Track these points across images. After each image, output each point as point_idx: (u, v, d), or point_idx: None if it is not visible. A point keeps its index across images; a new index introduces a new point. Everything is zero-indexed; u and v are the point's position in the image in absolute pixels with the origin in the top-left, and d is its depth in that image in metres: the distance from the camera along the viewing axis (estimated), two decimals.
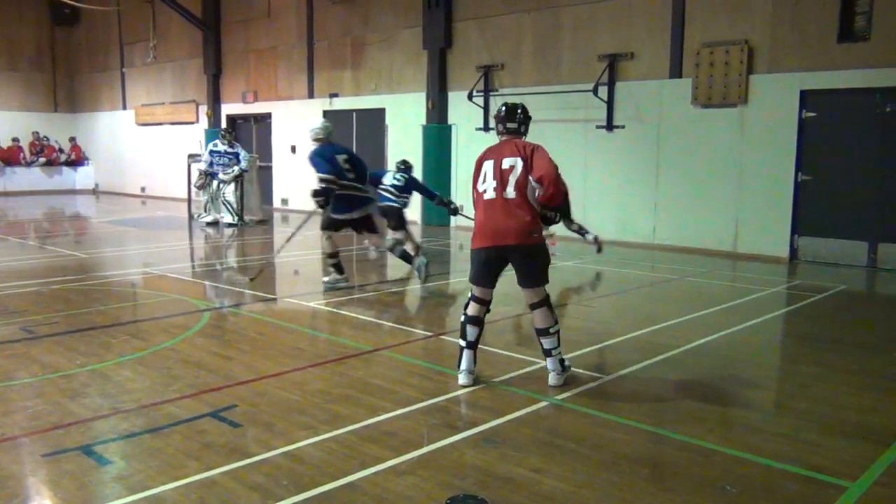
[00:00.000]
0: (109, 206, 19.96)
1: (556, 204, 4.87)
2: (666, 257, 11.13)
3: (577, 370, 5.26)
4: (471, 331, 4.96)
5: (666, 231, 11.99)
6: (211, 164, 14.64)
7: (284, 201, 18.48)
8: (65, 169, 24.28)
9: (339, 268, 8.54)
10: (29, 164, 23.56)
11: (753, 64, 10.96)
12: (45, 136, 24.28)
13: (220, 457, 3.73)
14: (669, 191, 11.90)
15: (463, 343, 4.97)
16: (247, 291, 8.42)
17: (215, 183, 14.76)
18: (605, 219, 12.62)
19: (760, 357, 6.09)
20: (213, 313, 7.20)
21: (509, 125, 5.11)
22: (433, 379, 5.12)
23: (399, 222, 9.85)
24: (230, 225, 14.42)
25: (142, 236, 13.74)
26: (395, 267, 10.68)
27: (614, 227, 12.48)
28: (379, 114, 16.06)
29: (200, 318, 6.91)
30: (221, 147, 14.66)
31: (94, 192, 24.40)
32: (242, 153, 14.77)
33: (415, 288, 8.84)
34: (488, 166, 4.94)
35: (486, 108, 13.99)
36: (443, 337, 6.31)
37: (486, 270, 4.91)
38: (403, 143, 15.58)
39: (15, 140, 23.33)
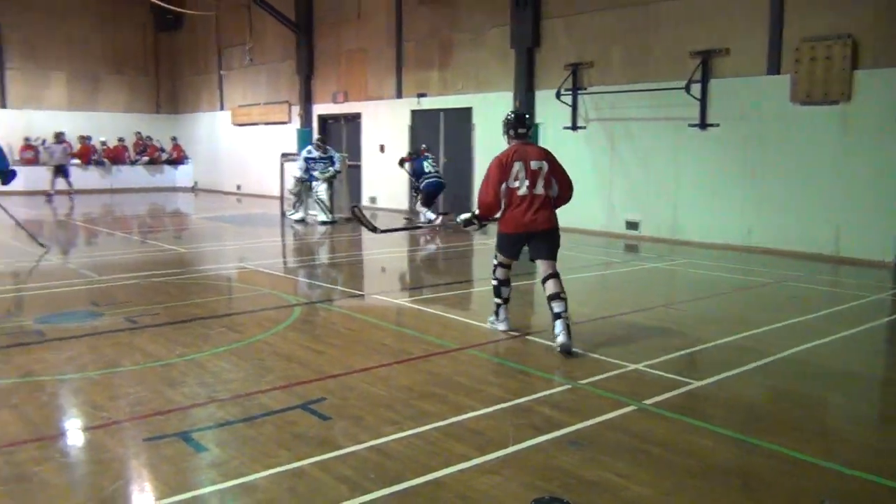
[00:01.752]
0: (207, 203, 20.78)
1: (559, 204, 6.16)
2: (761, 260, 10.74)
3: (665, 374, 5.15)
4: (505, 290, 6.22)
5: (761, 233, 11.56)
6: (306, 171, 15.05)
7: (373, 199, 18.78)
8: (166, 167, 25.42)
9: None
10: (133, 163, 24.76)
11: (858, 59, 10.43)
12: (148, 137, 25.48)
13: (309, 448, 3.83)
14: (766, 191, 11.47)
15: (500, 300, 6.17)
16: (336, 287, 8.61)
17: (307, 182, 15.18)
18: (697, 219, 12.29)
19: (863, 367, 5.80)
20: (303, 308, 7.39)
21: (520, 130, 6.12)
22: (518, 379, 5.11)
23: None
24: (323, 223, 14.76)
25: (237, 232, 14.24)
26: (482, 266, 10.71)
27: (706, 228, 12.14)
28: (466, 113, 16.11)
29: (292, 312, 7.11)
30: (315, 154, 15.07)
31: (193, 189, 25.44)
32: (336, 156, 15.11)
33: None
34: (519, 167, 5.90)
35: (574, 107, 13.84)
36: (528, 337, 6.28)
37: (517, 249, 6.14)
38: (490, 142, 15.55)
39: (121, 140, 24.57)
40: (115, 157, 24.31)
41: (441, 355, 5.64)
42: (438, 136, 16.88)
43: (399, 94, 17.80)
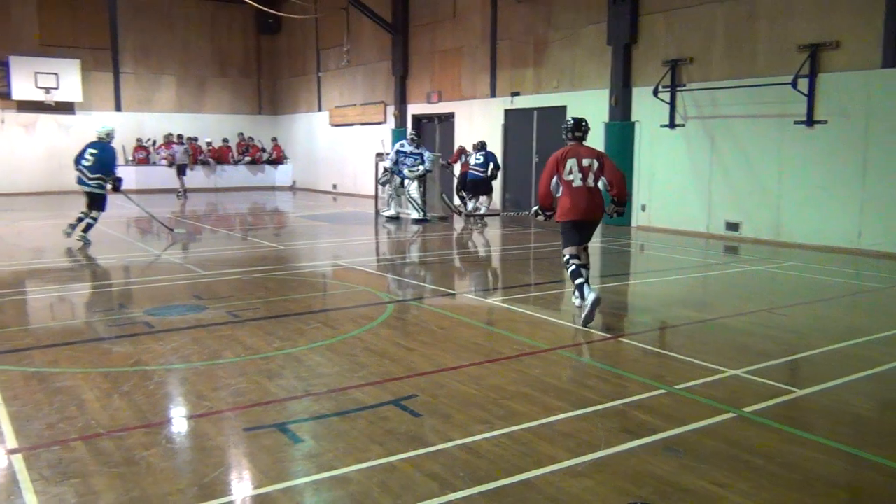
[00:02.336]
0: (304, 202, 21.36)
1: (623, 199, 6.86)
2: (872, 264, 10.16)
3: (766, 381, 4.95)
4: (584, 272, 6.81)
5: (873, 235, 10.93)
6: (396, 163, 15.27)
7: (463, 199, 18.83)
8: (267, 167, 26.30)
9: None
10: (236, 163, 25.74)
11: None
12: (250, 137, 26.43)
13: (400, 444, 3.88)
14: (879, 191, 10.84)
15: (579, 281, 6.67)
16: (427, 285, 8.69)
17: (398, 179, 15.40)
18: (802, 221, 11.75)
19: None
20: (396, 305, 7.49)
21: (577, 134, 7.04)
22: (611, 382, 5.02)
23: (487, 190, 15.07)
24: (416, 221, 14.94)
25: (332, 230, 14.58)
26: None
27: (812, 229, 11.58)
28: (560, 111, 15.92)
29: (384, 309, 7.22)
30: (408, 148, 15.27)
31: (292, 188, 26.22)
32: (427, 154, 15.28)
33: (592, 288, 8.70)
34: (573, 163, 6.79)
35: (672, 105, 13.49)
36: (622, 340, 6.17)
37: (577, 235, 6.85)
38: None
39: (225, 140, 25.59)
40: (220, 157, 25.35)
41: (531, 355, 5.60)
42: (532, 135, 16.79)
43: (493, 94, 17.80)
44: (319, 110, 24.93)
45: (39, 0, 22.53)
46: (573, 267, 6.72)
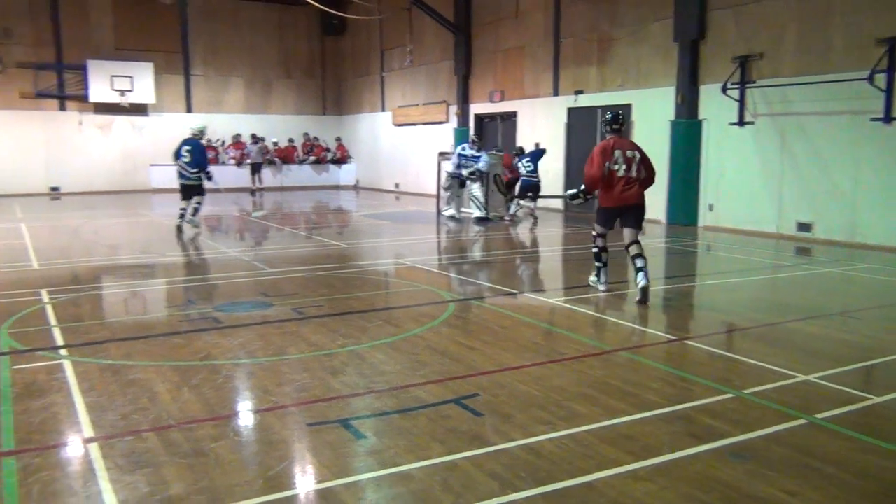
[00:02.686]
0: (367, 201, 21.60)
1: (650, 185, 7.62)
2: None
3: (839, 388, 4.78)
4: (604, 256, 7.72)
5: None
6: (458, 167, 15.29)
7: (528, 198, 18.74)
8: (331, 167, 26.69)
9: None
10: (301, 163, 26.20)
11: None
12: (314, 137, 26.87)
13: (462, 442, 3.88)
14: None
15: (600, 264, 7.71)
16: (489, 285, 8.69)
17: (458, 181, 15.42)
18: (879, 221, 11.30)
19: None
20: (457, 304, 7.51)
21: (615, 126, 7.66)
22: (676, 385, 4.93)
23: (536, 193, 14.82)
24: (478, 220, 14.94)
25: (395, 229, 14.70)
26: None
27: (889, 230, 11.13)
28: (624, 110, 15.70)
29: (446, 308, 7.25)
30: (469, 151, 15.28)
31: (355, 187, 26.55)
32: (484, 156, 15.21)
33: (656, 289, 8.56)
34: (619, 154, 7.45)
35: (741, 102, 13.14)
36: (687, 342, 6.04)
37: (613, 221, 7.63)
38: (650, 139, 15.07)
39: (290, 141, 26.07)
40: (286, 156, 25.83)
41: (594, 357, 5.54)
42: (595, 134, 16.58)
43: (555, 92, 17.67)
44: (382, 110, 25.16)
45: (115, 6, 23.38)
46: (595, 249, 7.78)
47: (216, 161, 24.28)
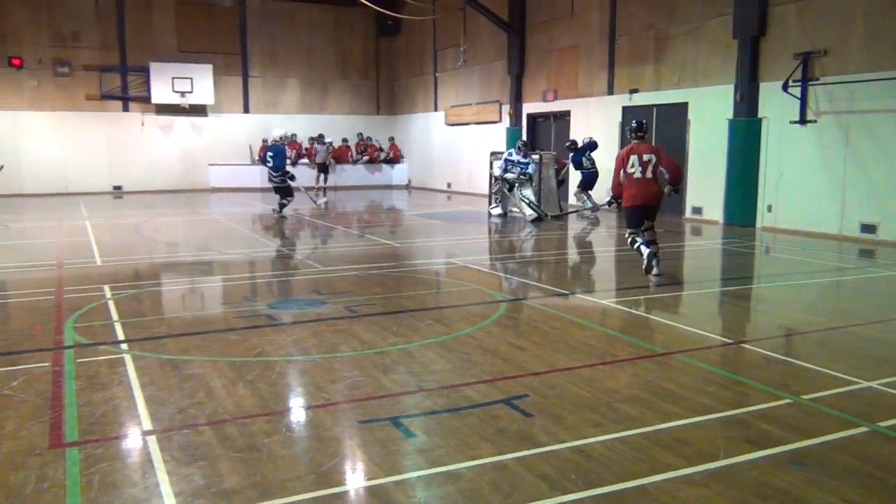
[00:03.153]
0: (419, 201, 21.69)
1: (678, 183, 8.58)
2: None
3: None
4: (641, 246, 8.57)
5: None
6: (504, 171, 15.32)
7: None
8: (384, 166, 26.89)
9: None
10: (354, 162, 26.45)
11: None
12: (368, 137, 27.10)
13: (511, 443, 3.87)
14: None
15: (647, 250, 8.50)
16: (540, 285, 8.64)
17: (507, 185, 15.43)
18: None
19: None
20: (508, 304, 7.49)
21: (639, 133, 8.60)
22: (732, 389, 4.82)
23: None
24: (533, 220, 14.88)
25: (446, 228, 14.73)
26: (693, 269, 10.24)
27: None
28: (681, 108, 15.46)
29: (497, 308, 7.23)
30: (516, 157, 15.27)
31: (407, 187, 26.69)
32: (531, 163, 15.18)
33: (712, 291, 8.40)
34: (634, 159, 8.43)
35: (803, 100, 12.78)
36: (744, 345, 5.91)
37: (640, 217, 8.59)
38: (707, 138, 14.83)
39: (344, 140, 26.35)
40: (340, 156, 26.11)
41: (647, 359, 5.46)
42: (651, 133, 16.33)
43: (610, 91, 17.46)
44: (435, 110, 25.24)
45: (177, 10, 23.99)
46: (636, 243, 8.65)
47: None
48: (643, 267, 8.52)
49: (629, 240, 8.77)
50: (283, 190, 15.12)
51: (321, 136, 24.04)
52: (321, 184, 22.43)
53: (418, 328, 6.36)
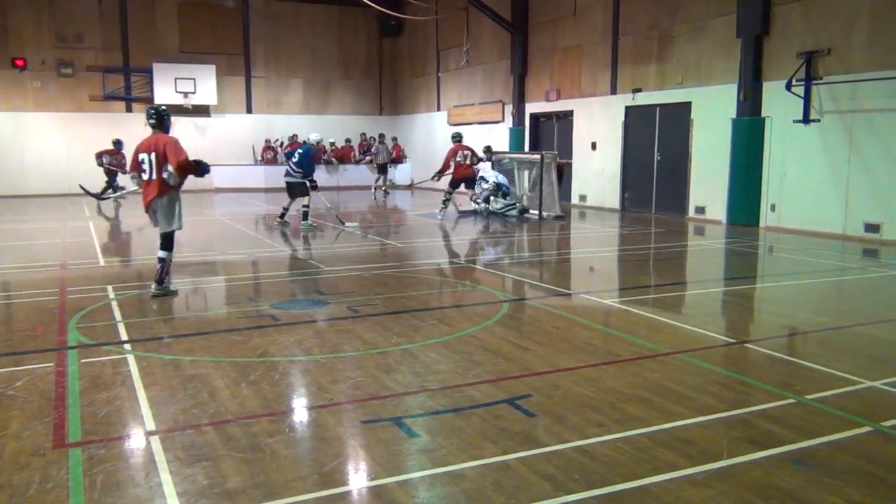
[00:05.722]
0: (422, 201, 21.66)
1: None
2: None
3: None
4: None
5: None
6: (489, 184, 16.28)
7: (583, 198, 18.59)
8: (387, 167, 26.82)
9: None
10: (357, 163, 26.43)
11: None
12: (371, 137, 27.07)
13: (514, 443, 3.87)
14: None
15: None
16: (542, 285, 8.63)
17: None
18: None
19: None
20: (511, 304, 7.48)
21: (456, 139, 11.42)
22: (735, 388, 4.81)
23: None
24: (522, 212, 15.61)
25: (448, 228, 14.72)
26: (695, 268, 10.23)
27: None
28: (684, 108, 15.44)
29: (500, 308, 7.23)
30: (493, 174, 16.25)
31: (410, 187, 26.66)
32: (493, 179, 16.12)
33: (715, 290, 8.38)
34: (468, 153, 12.26)
35: (806, 99, 12.75)
36: (747, 345, 5.90)
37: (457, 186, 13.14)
38: (710, 138, 14.81)
39: (347, 141, 26.35)
40: (343, 156, 26.11)
41: (650, 359, 5.45)
42: (654, 133, 16.34)
43: (613, 90, 17.45)
44: (438, 110, 25.23)
45: (180, 11, 24.01)
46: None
47: (274, 161, 24.76)
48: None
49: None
50: (297, 188, 14.15)
51: (381, 136, 23.94)
52: (379, 184, 22.46)
53: (421, 328, 6.36)
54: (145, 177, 7.67)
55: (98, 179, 19.50)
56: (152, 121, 7.95)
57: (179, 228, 7.93)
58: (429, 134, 25.85)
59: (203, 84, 23.78)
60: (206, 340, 6.01)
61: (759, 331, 6.61)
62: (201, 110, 24.32)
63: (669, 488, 3.36)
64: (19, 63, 22.06)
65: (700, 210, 15.22)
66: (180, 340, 6.01)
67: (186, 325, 6.73)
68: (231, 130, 25.01)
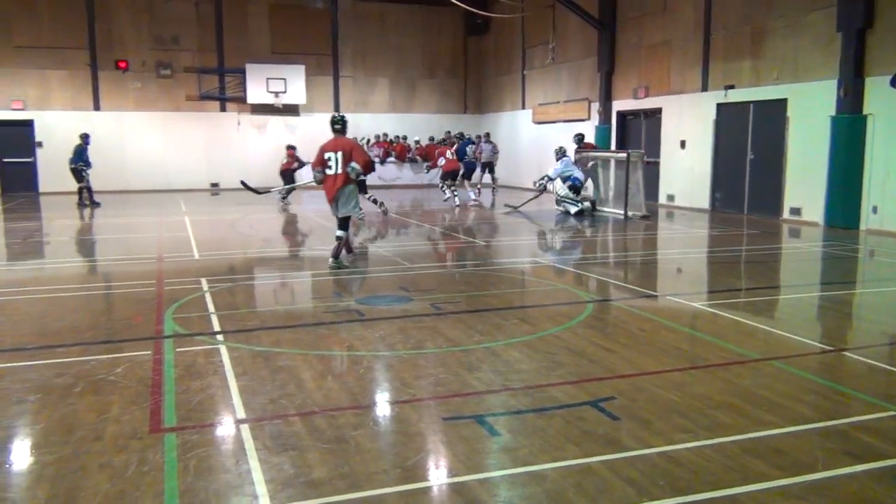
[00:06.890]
0: (506, 199, 21.60)
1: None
2: None
3: None
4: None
5: None
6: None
7: (671, 197, 18.16)
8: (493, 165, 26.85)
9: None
10: (427, 171, 26.52)
11: None
12: (458, 135, 27.17)
13: (597, 445, 3.82)
14: None
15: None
16: (627, 286, 8.48)
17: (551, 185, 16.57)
18: None
19: None
20: (595, 305, 7.38)
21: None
22: (831, 398, 4.60)
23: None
24: (578, 213, 15.65)
25: (532, 227, 14.64)
26: (789, 272, 9.85)
27: None
28: (779, 105, 14.86)
29: (584, 308, 7.14)
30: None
31: (493, 186, 26.61)
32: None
33: (811, 295, 8.04)
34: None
35: None
36: (845, 353, 5.64)
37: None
38: (807, 136, 14.21)
39: (432, 139, 26.53)
40: (427, 155, 26.29)
41: (741, 365, 5.28)
42: (746, 131, 15.80)
43: (704, 88, 16.96)
44: (523, 108, 25.11)
45: (271, 13, 24.72)
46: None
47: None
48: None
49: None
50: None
51: (487, 135, 24.09)
52: (480, 182, 22.61)
53: (503, 327, 6.35)
54: (330, 172, 8.79)
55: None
56: (337, 126, 9.08)
57: (358, 211, 9.70)
58: (513, 132, 25.76)
59: (293, 84, 24.40)
60: (294, 333, 6.17)
61: (858, 338, 6.31)
62: (291, 109, 24.97)
63: (760, 499, 3.25)
64: (122, 65, 23.17)
65: (795, 211, 14.63)
66: (269, 332, 6.19)
67: (275, 317, 6.92)
68: (319, 129, 25.48)
